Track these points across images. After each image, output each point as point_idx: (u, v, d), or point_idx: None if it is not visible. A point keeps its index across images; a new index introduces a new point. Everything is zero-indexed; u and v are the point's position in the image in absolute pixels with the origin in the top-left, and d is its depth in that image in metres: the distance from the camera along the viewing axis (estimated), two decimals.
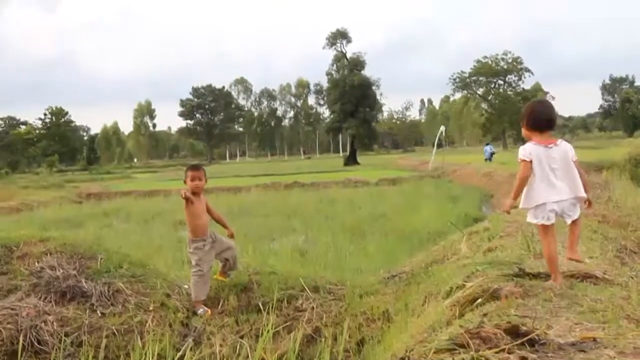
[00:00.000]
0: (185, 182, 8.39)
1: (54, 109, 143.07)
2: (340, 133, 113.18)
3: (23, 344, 6.34)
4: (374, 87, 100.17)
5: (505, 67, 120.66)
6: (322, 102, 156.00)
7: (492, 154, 54.81)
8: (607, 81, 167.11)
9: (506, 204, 5.94)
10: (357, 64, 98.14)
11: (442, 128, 59.60)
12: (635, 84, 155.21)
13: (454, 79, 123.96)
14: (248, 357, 5.29)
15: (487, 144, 62.21)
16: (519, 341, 3.57)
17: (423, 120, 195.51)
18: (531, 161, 5.51)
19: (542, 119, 5.69)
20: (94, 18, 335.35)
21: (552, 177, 5.48)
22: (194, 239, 8.17)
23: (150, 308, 7.61)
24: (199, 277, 8.03)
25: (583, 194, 5.55)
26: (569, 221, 5.62)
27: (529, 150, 5.57)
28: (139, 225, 22.23)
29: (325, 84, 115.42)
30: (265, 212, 24.11)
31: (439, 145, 59.89)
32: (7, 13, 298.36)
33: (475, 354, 3.44)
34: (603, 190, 16.27)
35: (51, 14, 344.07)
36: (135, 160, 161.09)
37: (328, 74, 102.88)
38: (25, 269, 8.05)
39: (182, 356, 5.12)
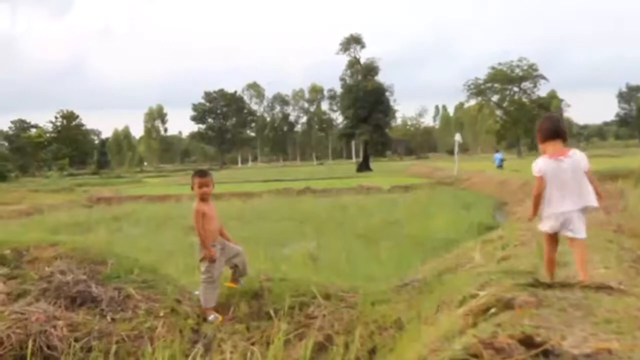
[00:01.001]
0: (192, 188, 8.37)
1: (65, 112, 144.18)
2: (353, 139, 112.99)
3: (32, 349, 6.34)
4: (387, 93, 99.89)
5: (520, 74, 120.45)
6: (335, 107, 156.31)
7: (501, 160, 54.90)
8: (624, 89, 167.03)
9: (529, 214, 6.74)
10: (370, 69, 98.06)
11: (458, 136, 59.28)
12: None
13: (469, 86, 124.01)
14: None
15: (497, 151, 62.32)
16: (533, 352, 3.53)
17: (437, 127, 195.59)
18: (542, 176, 6.08)
19: (545, 131, 6.23)
20: (105, 23, 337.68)
21: (562, 189, 5.99)
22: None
23: (161, 314, 7.60)
24: (208, 283, 8.00)
25: (593, 204, 5.96)
26: (571, 235, 6.04)
27: (539, 166, 6.13)
28: (149, 230, 22.27)
29: (338, 90, 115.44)
30: (277, 217, 24.13)
31: (453, 152, 59.89)
32: (18, 19, 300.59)
33: None
34: (618, 200, 16.20)
35: (62, 19, 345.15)
36: (145, 163, 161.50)
37: (341, 79, 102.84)
38: (35, 273, 8.05)
39: None
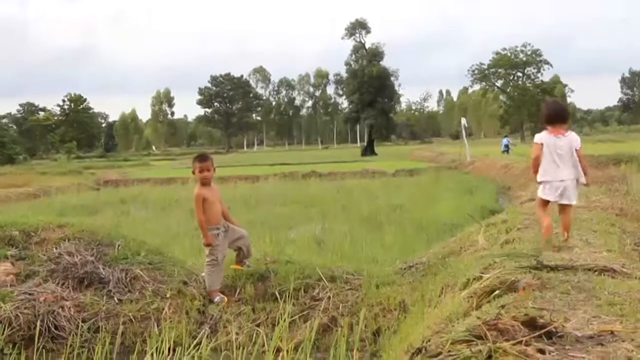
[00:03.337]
0: (194, 172, 8.39)
1: (73, 95, 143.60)
2: (358, 123, 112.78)
3: (40, 329, 6.39)
4: (392, 78, 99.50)
5: (524, 59, 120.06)
6: (340, 92, 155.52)
7: (507, 146, 54.76)
8: (627, 74, 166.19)
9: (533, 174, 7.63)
10: (376, 54, 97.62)
11: (463, 120, 58.88)
12: None
13: (473, 71, 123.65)
14: (264, 345, 5.30)
15: (505, 136, 62.18)
16: (537, 333, 3.56)
17: (441, 112, 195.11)
18: (542, 144, 7.13)
19: (548, 115, 7.27)
20: (115, 7, 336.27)
21: (558, 161, 7.03)
22: (208, 227, 8.15)
23: (167, 295, 7.65)
24: (212, 266, 8.03)
25: (582, 180, 7.16)
26: (567, 202, 7.06)
27: (540, 136, 7.25)
28: (156, 213, 22.22)
29: (344, 74, 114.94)
30: (283, 201, 24.05)
31: (458, 137, 59.68)
32: (29, 2, 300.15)
33: (493, 345, 3.43)
34: (621, 184, 16.15)
35: (72, 3, 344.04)
36: (154, 147, 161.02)
37: (347, 64, 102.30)
38: (44, 254, 8.10)
39: (199, 343, 5.13)
